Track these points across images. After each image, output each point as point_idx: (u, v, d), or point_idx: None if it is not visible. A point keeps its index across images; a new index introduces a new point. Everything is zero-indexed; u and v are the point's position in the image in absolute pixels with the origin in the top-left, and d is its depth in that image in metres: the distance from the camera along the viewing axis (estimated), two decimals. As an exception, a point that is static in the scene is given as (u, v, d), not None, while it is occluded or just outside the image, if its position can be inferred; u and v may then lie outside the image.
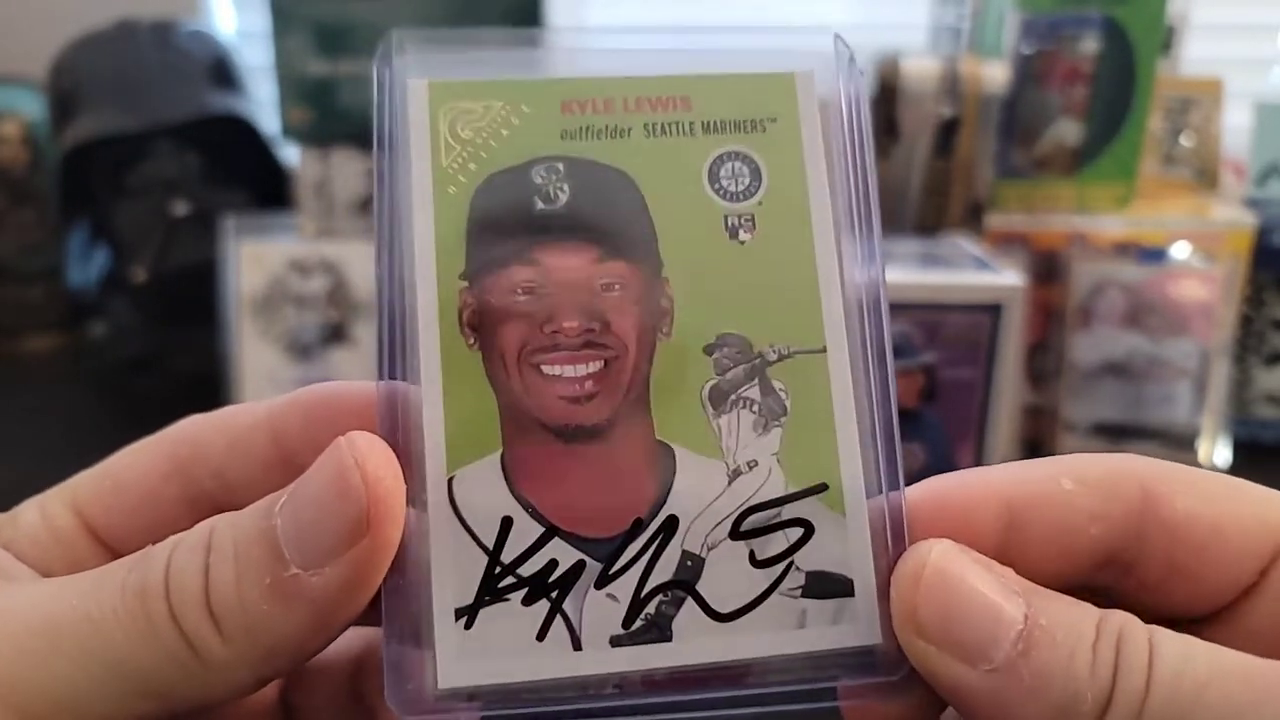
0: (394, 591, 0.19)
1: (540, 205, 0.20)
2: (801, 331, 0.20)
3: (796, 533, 0.20)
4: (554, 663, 0.19)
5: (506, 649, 0.19)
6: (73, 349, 0.97)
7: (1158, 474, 0.20)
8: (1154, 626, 0.18)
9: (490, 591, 0.19)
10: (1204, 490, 0.20)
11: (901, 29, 0.95)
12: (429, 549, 0.19)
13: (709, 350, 0.20)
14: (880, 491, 0.20)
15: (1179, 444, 0.73)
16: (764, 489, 0.20)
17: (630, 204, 0.20)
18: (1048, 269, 0.75)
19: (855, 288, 0.21)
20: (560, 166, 0.20)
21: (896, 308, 0.61)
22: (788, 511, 0.20)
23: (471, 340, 0.20)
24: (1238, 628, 0.20)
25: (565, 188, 0.20)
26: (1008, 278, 0.62)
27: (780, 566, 0.20)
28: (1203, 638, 0.20)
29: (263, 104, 0.93)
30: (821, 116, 0.21)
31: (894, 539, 0.20)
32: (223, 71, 0.92)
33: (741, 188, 0.21)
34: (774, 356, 0.20)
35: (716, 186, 0.21)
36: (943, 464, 0.63)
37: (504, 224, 0.20)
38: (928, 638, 0.19)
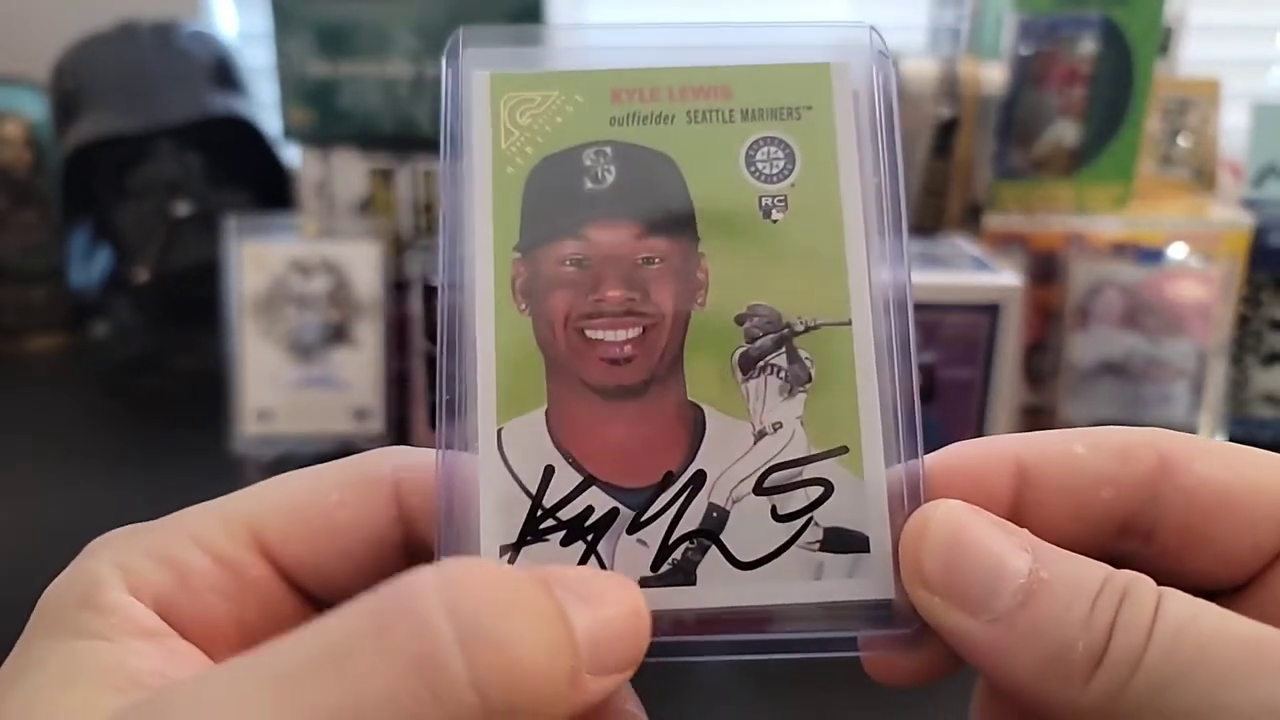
0: (447, 527, 0.21)
1: (589, 185, 0.22)
2: (829, 305, 0.22)
3: (816, 491, 0.21)
4: None
5: None
6: (75, 349, 0.97)
7: (1175, 441, 0.21)
8: (1167, 589, 0.18)
9: (532, 532, 0.21)
10: (1222, 457, 0.20)
11: (900, 29, 0.95)
12: (479, 491, 0.21)
13: (740, 320, 0.22)
14: (899, 457, 0.21)
15: (1177, 443, 0.73)
16: (787, 449, 0.21)
17: (671, 185, 0.22)
18: (1046, 269, 0.75)
19: (880, 268, 0.22)
20: (608, 150, 0.22)
21: (895, 308, 0.61)
22: (809, 471, 0.21)
23: (523, 306, 0.22)
24: (1265, 600, 0.20)
25: (612, 169, 0.22)
26: (1006, 278, 0.62)
27: (800, 521, 0.21)
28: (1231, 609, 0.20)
29: (264, 105, 0.93)
30: (855, 106, 0.23)
31: (910, 500, 0.21)
32: (224, 72, 0.92)
33: (776, 170, 0.22)
34: (801, 327, 0.22)
35: (752, 169, 0.22)
36: (941, 463, 0.63)
37: (556, 202, 0.22)
38: (931, 588, 0.20)
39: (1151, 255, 0.73)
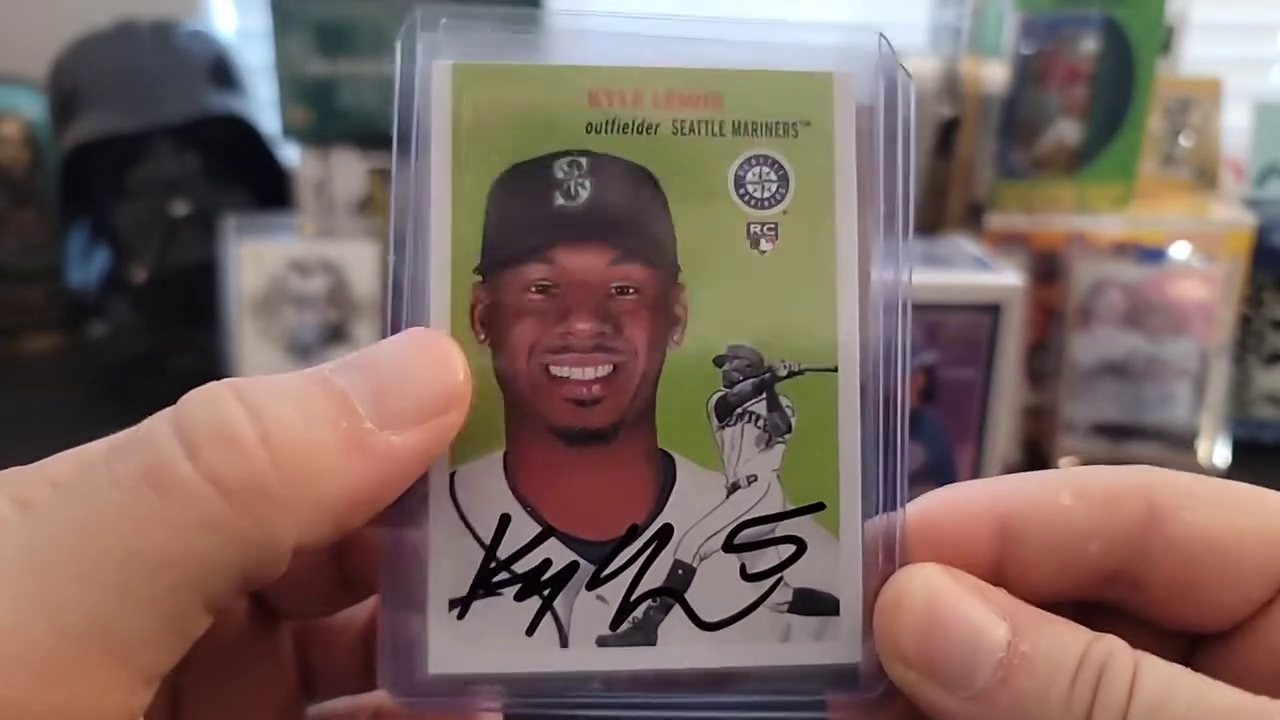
0: (392, 578, 0.19)
1: (560, 201, 0.20)
2: (815, 349, 0.20)
3: (788, 550, 0.20)
4: (541, 657, 0.19)
5: (496, 641, 0.19)
6: (73, 349, 0.97)
7: (1165, 487, 0.20)
8: (1142, 655, 0.18)
9: (484, 585, 0.19)
10: (1213, 504, 0.19)
11: (901, 29, 0.95)
12: (428, 540, 0.19)
13: (719, 362, 0.20)
14: (878, 513, 0.20)
15: (1178, 444, 0.73)
16: (761, 504, 0.20)
17: (651, 205, 0.20)
18: (1047, 269, 0.75)
19: (879, 303, 0.20)
20: (583, 161, 0.20)
21: (896, 308, 0.61)
22: (782, 528, 0.20)
23: (482, 336, 0.20)
24: (1255, 644, 0.19)
25: (587, 184, 0.20)
26: (1007, 278, 0.62)
27: (769, 581, 0.20)
28: (1219, 654, 0.20)
29: (263, 104, 0.93)
30: (859, 121, 0.20)
31: (885, 560, 0.20)
32: (223, 71, 0.92)
33: (768, 194, 0.20)
34: (784, 372, 0.20)
35: (742, 192, 0.20)
36: (942, 464, 0.63)
37: (522, 218, 0.20)
38: (909, 664, 0.19)
39: (1153, 255, 0.73)
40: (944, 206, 0.77)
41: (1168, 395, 0.73)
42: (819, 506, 0.20)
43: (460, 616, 0.19)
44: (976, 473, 0.63)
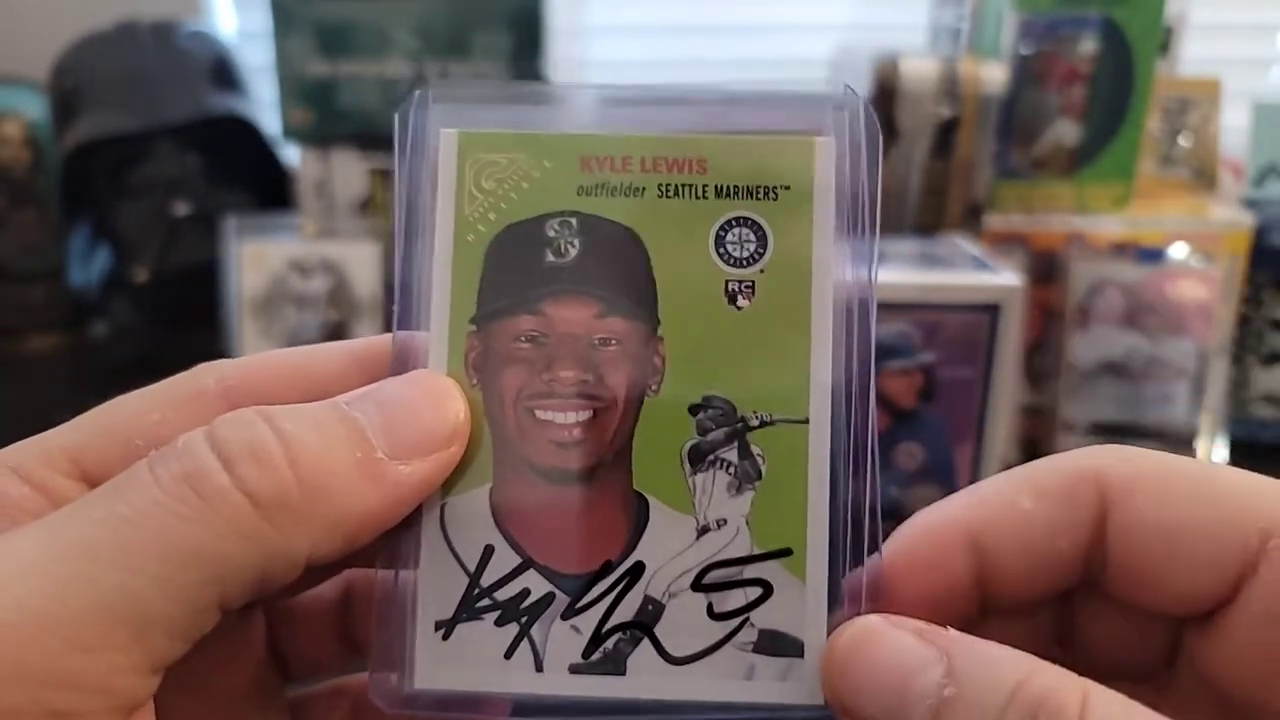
0: (386, 599, 0.21)
1: (550, 258, 0.21)
2: (787, 401, 0.21)
3: (755, 592, 0.21)
4: (517, 679, 0.21)
5: (477, 662, 0.21)
6: (74, 349, 0.97)
7: (1120, 471, 0.20)
8: (1092, 686, 0.17)
9: (468, 610, 0.21)
10: (1168, 489, 0.19)
11: (901, 29, 0.95)
12: (418, 565, 0.21)
13: (694, 410, 0.21)
14: (846, 561, 0.21)
15: (1177, 444, 0.73)
16: (729, 547, 0.21)
17: (635, 263, 0.21)
18: (1046, 269, 0.75)
19: (847, 357, 0.21)
20: (573, 222, 0.21)
21: (896, 308, 0.61)
22: (750, 571, 0.21)
23: (474, 380, 0.21)
24: (1231, 632, 0.19)
25: (576, 243, 0.21)
26: (1006, 278, 0.62)
27: (736, 621, 0.21)
28: (1202, 637, 0.20)
29: (264, 104, 0.93)
30: (836, 185, 0.21)
31: (850, 608, 0.21)
32: (224, 72, 0.92)
33: (746, 254, 0.21)
34: (756, 422, 0.21)
35: (722, 251, 0.21)
36: (941, 464, 0.63)
37: (516, 274, 0.21)
38: (852, 716, 0.19)
39: (1152, 255, 0.73)
40: (943, 207, 0.77)
41: (1166, 395, 0.73)
42: (786, 552, 0.21)
43: (445, 637, 0.21)
44: (976, 473, 0.63)
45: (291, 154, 0.87)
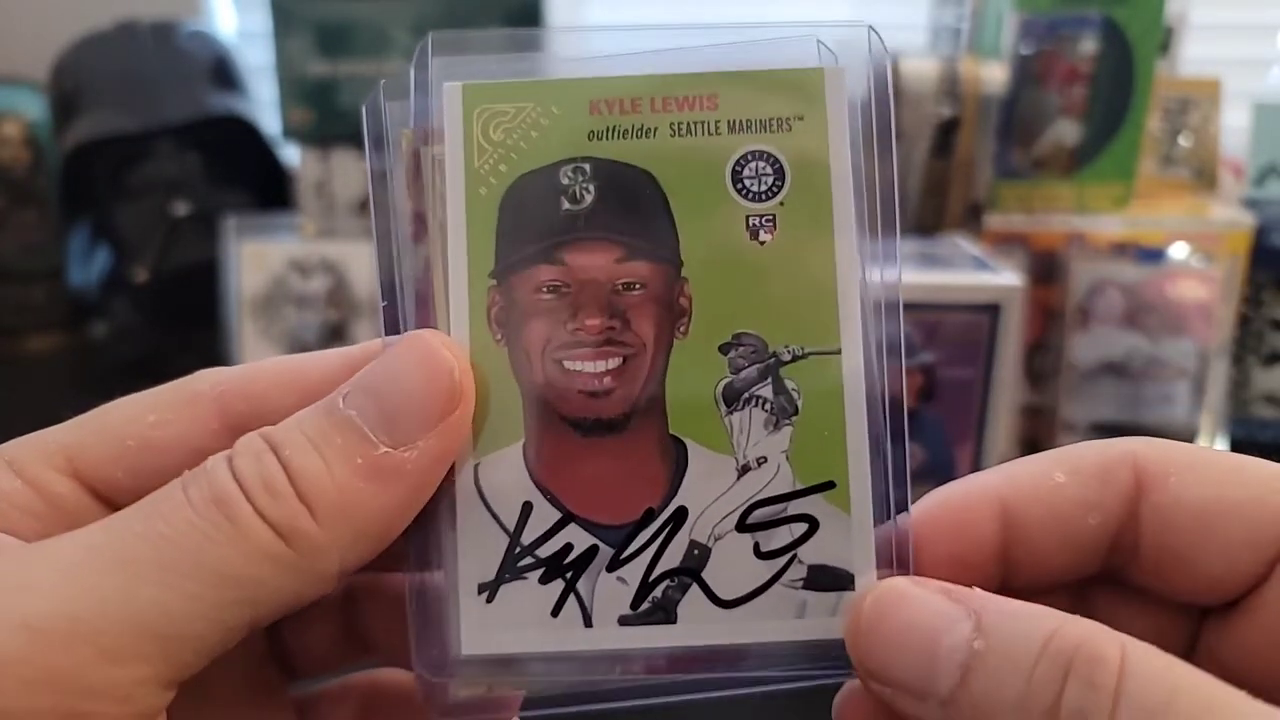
0: (421, 566, 0.21)
1: (567, 205, 0.21)
2: (817, 332, 0.21)
3: (801, 528, 0.21)
4: (566, 637, 0.21)
5: (523, 622, 0.21)
6: (74, 349, 0.97)
7: (1152, 455, 0.20)
8: (1128, 641, 0.17)
9: (510, 570, 0.21)
10: (1199, 474, 0.20)
11: (901, 29, 0.95)
12: (456, 529, 0.20)
13: (724, 349, 0.21)
14: (886, 489, 0.21)
15: (1177, 443, 0.73)
16: (771, 485, 0.21)
17: (653, 205, 0.21)
18: (1046, 269, 0.75)
19: (873, 289, 0.21)
20: (586, 167, 0.21)
21: (895, 308, 0.61)
22: (794, 507, 0.21)
23: (499, 336, 0.21)
24: (1256, 621, 0.19)
25: (591, 188, 0.21)
26: (1006, 278, 0.62)
27: (784, 559, 0.21)
28: (1223, 629, 0.20)
29: (264, 104, 0.93)
30: (849, 115, 0.21)
31: (899, 539, 0.21)
32: (223, 72, 0.92)
33: (764, 188, 0.21)
34: (788, 356, 0.21)
35: (739, 187, 0.21)
36: (942, 463, 0.63)
37: (532, 224, 0.21)
38: (878, 680, 0.19)
39: (1152, 255, 0.73)
40: (943, 206, 0.77)
41: (1166, 395, 0.73)
42: (829, 485, 0.21)
43: (489, 600, 0.20)
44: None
45: (291, 154, 0.87)
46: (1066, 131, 0.77)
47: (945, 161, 0.76)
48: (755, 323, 0.21)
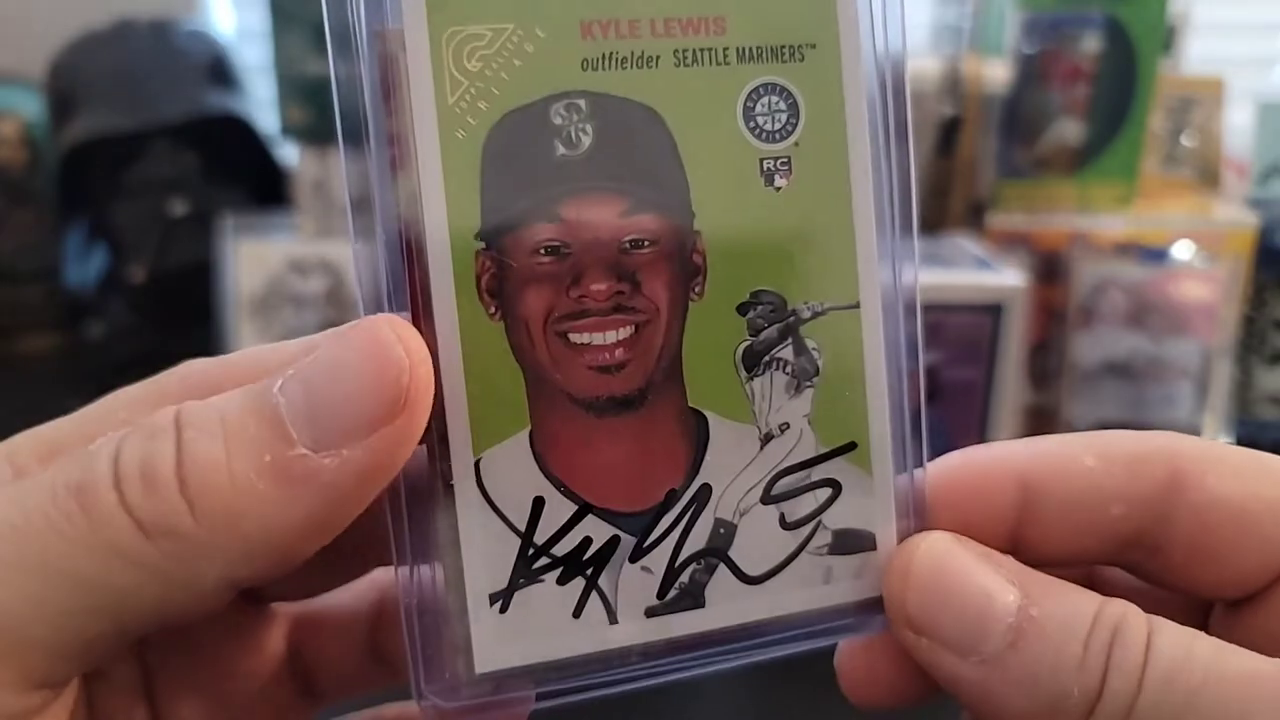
0: (419, 582, 0.18)
1: (561, 150, 0.18)
2: (836, 286, 0.19)
3: (825, 493, 0.20)
4: (590, 637, 0.19)
5: (543, 628, 0.19)
6: (70, 349, 0.97)
7: (1190, 453, 0.20)
8: (1155, 619, 0.18)
9: (525, 573, 0.19)
10: (1238, 471, 0.19)
11: (902, 28, 0.95)
12: (459, 535, 0.18)
13: (742, 310, 0.19)
14: (904, 451, 0.20)
15: (1181, 444, 0.73)
16: (795, 451, 0.20)
17: (660, 147, 0.18)
18: (1049, 269, 0.75)
19: (889, 240, 0.20)
20: (582, 104, 0.18)
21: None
22: (818, 472, 0.20)
23: (492, 309, 0.18)
24: (1268, 612, 0.19)
25: (588, 129, 0.18)
26: (1009, 277, 0.62)
27: (809, 527, 0.20)
28: (1232, 621, 0.20)
29: (261, 103, 0.93)
30: (862, 42, 0.19)
31: (916, 495, 0.20)
32: (221, 71, 0.92)
33: (778, 126, 0.19)
34: (808, 314, 0.19)
35: (752, 125, 0.19)
36: (944, 464, 0.63)
37: (522, 173, 0.18)
38: (919, 630, 0.19)
39: (1155, 255, 0.73)
40: (946, 206, 0.76)
41: (1170, 395, 0.73)
42: (851, 446, 0.20)
43: (503, 610, 0.18)
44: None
45: (289, 153, 0.87)
46: (1069, 130, 0.76)
47: (948, 160, 0.75)
48: (774, 278, 0.19)
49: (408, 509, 0.18)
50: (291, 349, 0.19)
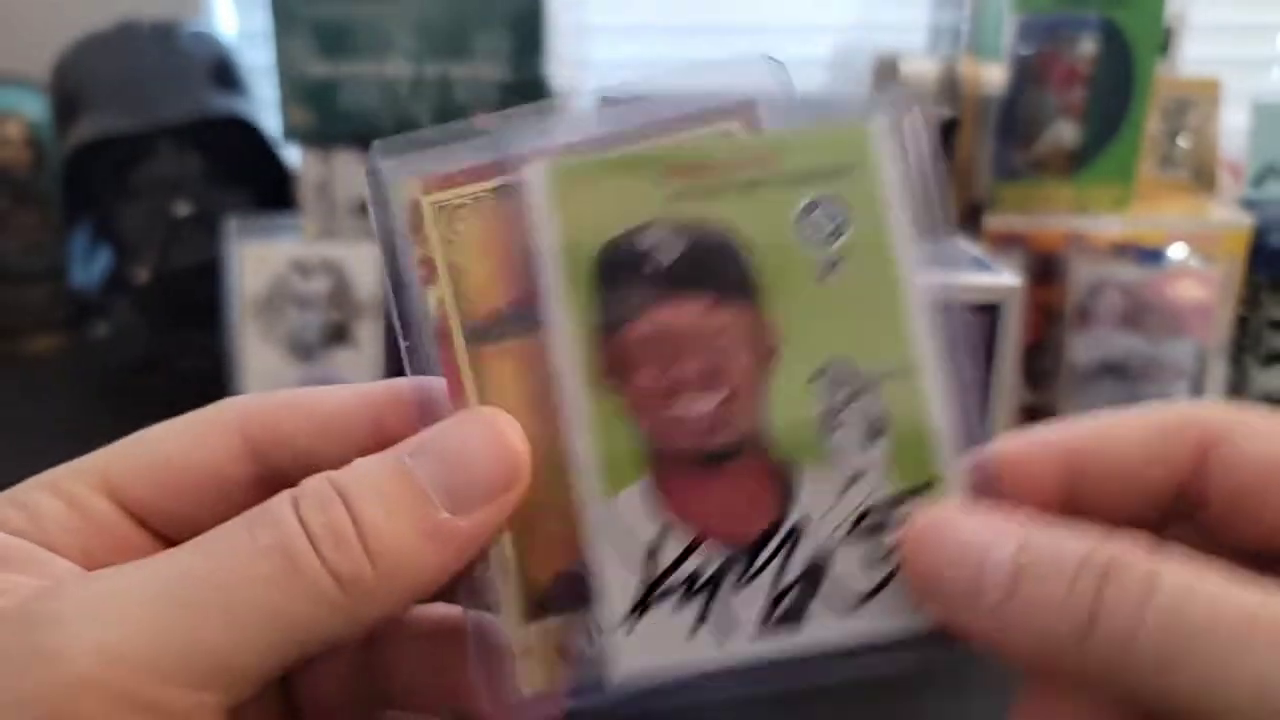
0: (563, 603, 0.23)
1: (654, 264, 0.23)
2: (893, 353, 0.23)
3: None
4: (703, 655, 0.23)
5: (663, 648, 0.23)
6: (75, 350, 0.97)
7: (1217, 416, 0.21)
8: (1162, 560, 0.18)
9: (649, 600, 0.23)
10: (1262, 430, 0.21)
11: (900, 30, 0.95)
12: (598, 565, 0.23)
13: (813, 379, 0.23)
14: (971, 474, 0.23)
15: (1176, 444, 0.73)
16: (874, 495, 0.23)
17: (732, 256, 0.23)
18: (1046, 270, 0.75)
19: (937, 311, 0.23)
20: (668, 228, 0.23)
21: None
22: (899, 512, 0.23)
23: (611, 385, 0.23)
24: None
25: (673, 247, 0.23)
26: (1006, 278, 0.62)
27: (895, 559, 0.23)
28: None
29: (265, 105, 0.93)
30: (895, 159, 0.23)
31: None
32: (224, 72, 0.92)
33: (829, 231, 0.23)
34: (871, 377, 0.23)
35: (807, 233, 0.23)
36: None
37: (625, 284, 0.23)
38: (931, 598, 0.21)
39: (1152, 256, 0.73)
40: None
41: (1166, 396, 0.73)
42: (927, 485, 0.23)
43: (629, 632, 0.23)
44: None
45: (293, 155, 0.87)
46: (1066, 132, 0.77)
47: (944, 162, 0.76)
48: (838, 351, 0.23)
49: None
50: (347, 396, 0.24)
